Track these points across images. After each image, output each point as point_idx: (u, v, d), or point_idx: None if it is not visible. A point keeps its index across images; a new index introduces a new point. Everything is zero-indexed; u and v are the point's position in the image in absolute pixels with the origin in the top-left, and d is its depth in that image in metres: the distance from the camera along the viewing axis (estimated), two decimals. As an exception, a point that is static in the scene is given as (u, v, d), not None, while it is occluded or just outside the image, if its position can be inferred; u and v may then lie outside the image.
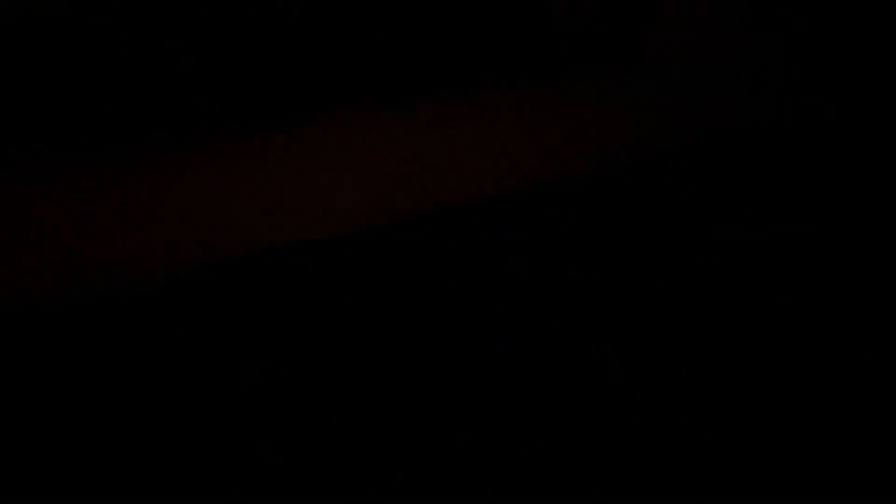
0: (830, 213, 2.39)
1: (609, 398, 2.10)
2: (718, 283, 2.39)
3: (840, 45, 2.30)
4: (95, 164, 2.07)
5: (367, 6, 1.86)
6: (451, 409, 2.10)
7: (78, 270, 2.26)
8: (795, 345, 2.26)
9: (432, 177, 2.12)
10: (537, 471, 1.90)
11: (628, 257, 2.43)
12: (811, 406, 2.05)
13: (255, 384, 2.19)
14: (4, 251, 2.28)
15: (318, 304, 2.51)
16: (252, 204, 2.13)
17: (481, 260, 2.32)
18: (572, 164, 2.20)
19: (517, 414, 2.07)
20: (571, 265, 2.21)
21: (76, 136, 2.07)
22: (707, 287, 2.38)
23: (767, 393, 2.10)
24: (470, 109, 2.09)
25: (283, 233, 2.18)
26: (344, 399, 2.11)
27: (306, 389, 2.15)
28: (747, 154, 2.35)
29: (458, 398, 2.12)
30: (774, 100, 2.38)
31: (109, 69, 1.95)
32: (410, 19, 1.86)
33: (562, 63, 2.06)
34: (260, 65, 1.98)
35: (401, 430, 2.03)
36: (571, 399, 2.08)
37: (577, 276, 2.42)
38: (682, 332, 2.29)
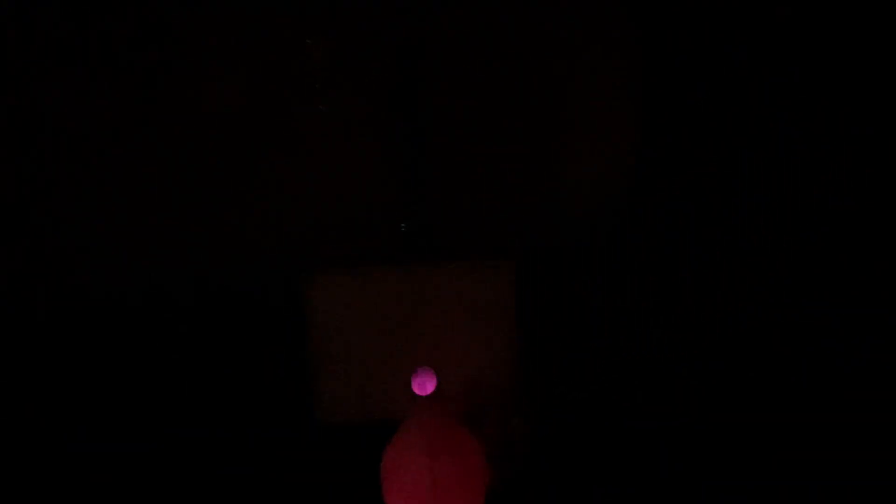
0: (830, 214, 2.39)
1: (609, 398, 2.10)
2: (718, 284, 2.39)
3: None
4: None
5: None
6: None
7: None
8: (795, 345, 2.26)
9: None
10: (537, 471, 1.90)
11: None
12: (811, 406, 2.05)
13: (255, 383, 2.19)
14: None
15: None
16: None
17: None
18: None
19: (517, 414, 2.07)
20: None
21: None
22: (707, 287, 2.39)
23: (767, 393, 2.10)
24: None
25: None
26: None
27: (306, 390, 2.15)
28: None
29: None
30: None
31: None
32: None
33: None
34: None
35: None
36: (571, 399, 2.08)
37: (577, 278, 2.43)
38: (682, 332, 2.29)
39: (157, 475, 1.91)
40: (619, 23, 2.31)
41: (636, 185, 2.49)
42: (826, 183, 2.39)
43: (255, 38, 2.07)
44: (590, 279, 2.41)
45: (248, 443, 1.99)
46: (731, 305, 2.35)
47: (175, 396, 2.17)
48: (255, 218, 2.08)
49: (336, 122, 2.03)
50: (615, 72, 2.17)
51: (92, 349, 2.33)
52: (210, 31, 2.07)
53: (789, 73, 2.36)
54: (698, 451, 1.93)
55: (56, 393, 2.19)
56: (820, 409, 2.02)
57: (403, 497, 1.57)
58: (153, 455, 1.96)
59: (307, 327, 1.77)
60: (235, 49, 2.09)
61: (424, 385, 1.56)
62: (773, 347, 2.26)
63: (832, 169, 2.38)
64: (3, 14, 2.18)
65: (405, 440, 1.59)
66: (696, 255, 2.40)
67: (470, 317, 1.73)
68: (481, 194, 2.03)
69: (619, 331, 2.30)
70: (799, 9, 2.32)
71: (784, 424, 1.99)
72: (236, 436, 2.02)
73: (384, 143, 1.99)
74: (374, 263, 1.77)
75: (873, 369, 2.13)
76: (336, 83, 2.02)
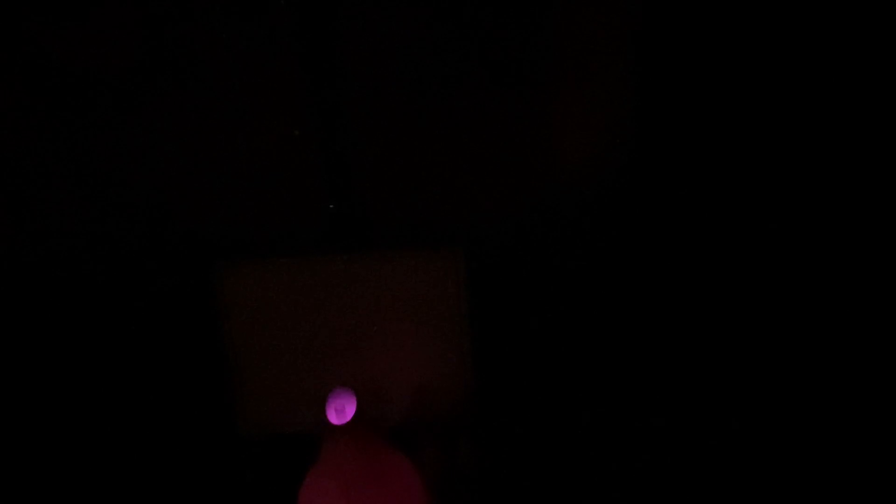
0: (832, 214, 2.39)
1: (609, 398, 2.10)
2: (718, 284, 2.39)
3: None
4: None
5: None
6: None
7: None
8: (795, 345, 2.26)
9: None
10: (538, 471, 1.90)
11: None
12: (811, 406, 2.05)
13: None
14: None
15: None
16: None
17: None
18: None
19: (517, 413, 2.07)
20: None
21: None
22: (707, 287, 2.39)
23: (767, 393, 2.10)
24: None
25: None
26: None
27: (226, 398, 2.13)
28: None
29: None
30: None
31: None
32: None
33: None
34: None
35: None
36: (572, 399, 2.08)
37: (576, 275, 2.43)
38: (682, 332, 2.29)
39: (156, 475, 1.91)
40: (618, 20, 2.32)
41: (635, 182, 2.49)
42: (826, 183, 2.39)
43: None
44: (588, 278, 2.42)
45: (246, 442, 1.99)
46: (731, 305, 2.34)
47: (175, 396, 2.16)
48: (161, 197, 1.76)
49: (255, 94, 1.74)
50: (591, 56, 2.06)
51: (92, 348, 2.31)
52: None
53: (789, 73, 2.36)
54: (698, 450, 1.93)
55: (56, 393, 2.18)
56: (820, 410, 2.02)
57: None
58: (153, 455, 1.95)
59: (221, 325, 1.49)
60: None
61: (343, 410, 1.29)
62: (773, 347, 2.26)
63: (832, 169, 2.38)
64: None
65: (320, 472, 1.34)
66: (696, 255, 2.40)
67: (411, 313, 1.43)
68: (423, 174, 1.69)
69: (618, 331, 2.29)
70: (799, 9, 2.32)
71: (784, 424, 1.99)
72: (236, 435, 2.01)
73: (308, 115, 1.68)
74: (298, 251, 1.48)
75: (873, 369, 2.13)
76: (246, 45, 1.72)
